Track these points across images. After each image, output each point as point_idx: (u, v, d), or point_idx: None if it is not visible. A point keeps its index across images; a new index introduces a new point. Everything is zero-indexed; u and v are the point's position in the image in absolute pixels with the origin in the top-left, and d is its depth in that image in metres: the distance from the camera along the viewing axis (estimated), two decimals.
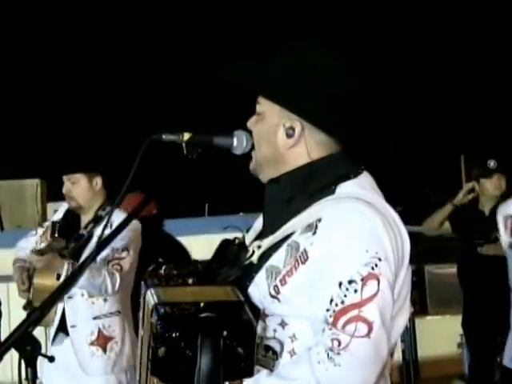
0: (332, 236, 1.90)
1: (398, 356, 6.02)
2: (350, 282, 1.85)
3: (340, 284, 1.85)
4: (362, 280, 1.85)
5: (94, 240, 4.03)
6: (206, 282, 2.04)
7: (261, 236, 2.09)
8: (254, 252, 2.05)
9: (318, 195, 1.99)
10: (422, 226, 6.16)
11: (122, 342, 4.18)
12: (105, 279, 3.90)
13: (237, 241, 2.16)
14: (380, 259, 1.87)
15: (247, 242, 2.14)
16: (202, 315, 1.84)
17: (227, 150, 2.12)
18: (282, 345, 1.94)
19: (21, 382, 1.85)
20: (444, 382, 6.81)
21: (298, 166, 2.04)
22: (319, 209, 1.96)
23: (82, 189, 4.28)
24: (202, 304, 1.86)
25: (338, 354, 1.81)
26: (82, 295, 4.07)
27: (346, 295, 1.85)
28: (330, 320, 1.85)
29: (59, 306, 4.10)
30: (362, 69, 2.14)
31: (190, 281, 2.05)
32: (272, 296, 1.95)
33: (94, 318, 4.12)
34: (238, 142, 2.11)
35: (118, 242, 3.90)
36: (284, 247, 1.97)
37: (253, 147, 2.11)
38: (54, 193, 8.99)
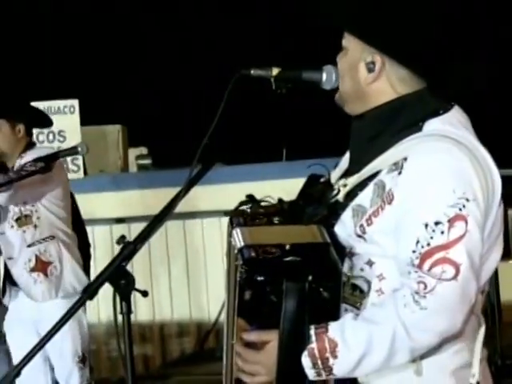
0: (418, 176, 1.85)
1: None
2: (437, 223, 1.81)
3: (426, 225, 1.82)
4: (449, 221, 1.81)
5: None
6: (292, 222, 2.01)
7: (346, 174, 2.05)
8: (339, 190, 2.02)
9: (405, 132, 1.94)
10: None
11: (61, 265, 4.22)
12: None
13: (322, 179, 2.11)
14: (468, 200, 1.82)
15: (332, 180, 2.09)
16: (287, 259, 1.82)
17: (316, 84, 2.08)
18: (369, 284, 1.92)
19: (116, 316, 1.84)
20: None
21: (383, 102, 1.98)
22: (405, 147, 1.91)
23: (4, 135, 4.26)
24: (287, 246, 1.84)
25: (424, 297, 1.78)
26: (12, 227, 4.17)
27: (432, 237, 1.81)
28: (416, 262, 1.82)
29: (0, 265, 4.20)
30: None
31: (276, 220, 2.03)
32: (358, 235, 1.92)
33: (29, 246, 4.19)
34: (328, 77, 2.07)
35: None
36: (371, 186, 1.93)
37: None
38: (134, 138, 9.10)
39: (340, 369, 1.82)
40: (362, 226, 1.91)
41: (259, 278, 1.80)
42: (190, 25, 10.66)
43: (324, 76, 2.06)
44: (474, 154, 1.88)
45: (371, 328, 1.81)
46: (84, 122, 8.24)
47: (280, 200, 2.12)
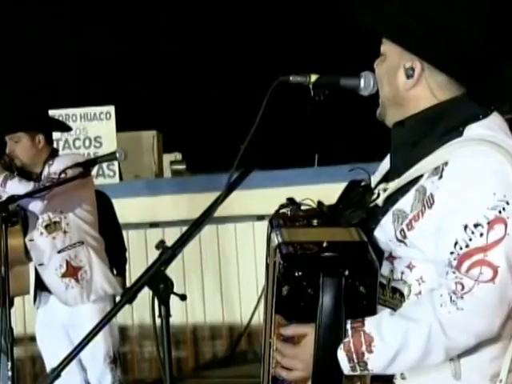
0: (458, 179, 1.84)
1: None
2: (476, 225, 1.80)
3: (465, 227, 1.80)
4: (489, 224, 1.79)
5: None
6: (331, 224, 2.01)
7: (387, 179, 2.04)
8: (379, 195, 2.01)
9: (446, 137, 1.92)
10: None
11: (91, 270, 4.22)
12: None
13: (363, 183, 2.10)
14: (508, 202, 1.80)
15: (373, 184, 2.08)
16: (324, 254, 1.82)
17: (354, 90, 2.07)
18: (409, 287, 1.91)
19: (154, 320, 1.84)
20: None
21: (423, 108, 1.97)
22: (446, 152, 1.89)
23: (24, 147, 4.26)
24: (324, 244, 1.84)
25: (462, 297, 1.77)
26: (41, 234, 4.18)
27: (471, 239, 1.80)
28: (454, 263, 1.81)
29: (31, 272, 4.22)
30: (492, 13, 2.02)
31: (315, 222, 2.02)
32: (398, 240, 1.91)
33: (59, 252, 4.20)
34: (365, 83, 2.05)
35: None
36: (412, 192, 1.92)
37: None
38: (169, 144, 9.14)
39: (375, 364, 1.82)
40: (402, 230, 1.89)
41: (297, 273, 1.80)
42: (225, 32, 10.69)
43: (362, 82, 2.05)
44: None
45: (407, 324, 1.80)
46: (120, 127, 8.29)
47: (319, 203, 2.12)
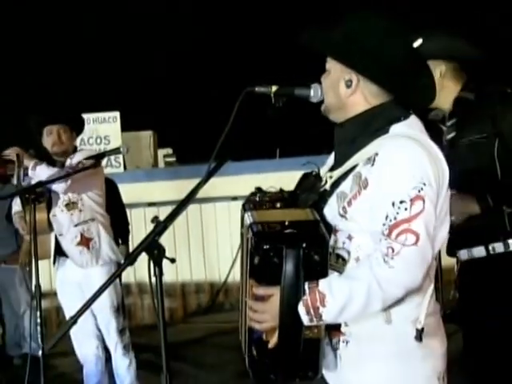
0: (386, 166, 1.84)
1: None
2: (401, 201, 1.80)
3: (393, 204, 1.80)
4: (411, 200, 1.80)
5: None
6: (291, 206, 2.00)
7: (332, 169, 2.04)
8: (327, 181, 2.01)
9: (376, 134, 1.92)
10: None
11: (99, 241, 4.19)
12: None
13: (314, 173, 2.09)
14: (425, 184, 1.81)
15: (322, 173, 2.08)
16: (287, 231, 1.82)
17: (306, 99, 2.05)
18: (349, 253, 1.90)
19: (150, 278, 1.82)
20: None
21: (359, 112, 1.96)
22: (376, 145, 1.89)
23: (68, 139, 4.23)
24: (286, 223, 1.84)
25: (392, 258, 1.77)
26: (62, 211, 4.14)
27: (398, 212, 1.80)
28: (386, 232, 1.81)
29: (52, 240, 4.21)
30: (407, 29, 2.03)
31: (278, 205, 2.02)
32: (341, 215, 1.90)
33: (75, 226, 4.15)
34: (314, 93, 2.04)
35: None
36: (350, 177, 1.92)
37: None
38: (162, 141, 9.11)
39: (328, 316, 1.82)
40: (343, 207, 1.89)
41: (265, 246, 1.80)
42: (203, 49, 10.63)
43: (312, 92, 2.04)
44: (428, 149, 1.87)
45: (351, 283, 1.81)
46: (124, 128, 8.25)
47: (281, 190, 2.11)
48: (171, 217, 1.87)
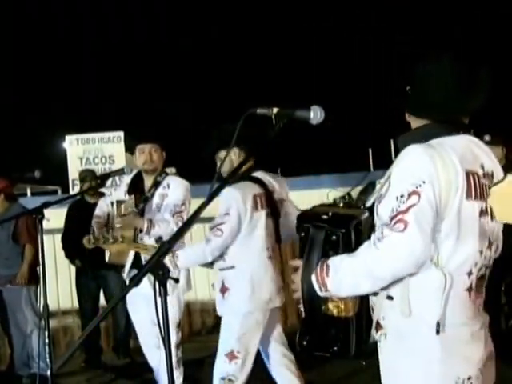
0: (395, 168, 2.02)
1: None
2: (402, 196, 1.96)
3: (397, 198, 1.97)
4: (408, 194, 1.95)
5: (156, 199, 4.27)
6: (352, 207, 2.21)
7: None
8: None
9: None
10: None
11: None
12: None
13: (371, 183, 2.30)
14: (424, 182, 1.95)
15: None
16: (322, 217, 2.09)
17: (306, 121, 2.10)
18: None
19: (155, 297, 1.85)
20: None
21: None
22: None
23: (158, 156, 4.41)
24: (330, 213, 2.11)
25: (379, 241, 1.93)
26: (149, 238, 4.15)
27: (399, 205, 1.95)
28: (388, 222, 1.97)
29: (131, 252, 4.24)
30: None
31: (341, 204, 2.22)
32: (376, 213, 2.09)
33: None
34: (314, 115, 2.10)
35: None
36: (387, 184, 2.10)
37: (325, 119, 2.10)
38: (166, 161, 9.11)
39: (331, 286, 2.01)
40: (377, 206, 2.07)
41: (305, 224, 2.10)
42: (213, 69, 10.71)
43: (312, 114, 2.09)
44: (440, 155, 1.99)
45: (350, 259, 2.00)
46: (127, 148, 8.27)
47: (348, 194, 2.28)
48: (175, 237, 1.90)
